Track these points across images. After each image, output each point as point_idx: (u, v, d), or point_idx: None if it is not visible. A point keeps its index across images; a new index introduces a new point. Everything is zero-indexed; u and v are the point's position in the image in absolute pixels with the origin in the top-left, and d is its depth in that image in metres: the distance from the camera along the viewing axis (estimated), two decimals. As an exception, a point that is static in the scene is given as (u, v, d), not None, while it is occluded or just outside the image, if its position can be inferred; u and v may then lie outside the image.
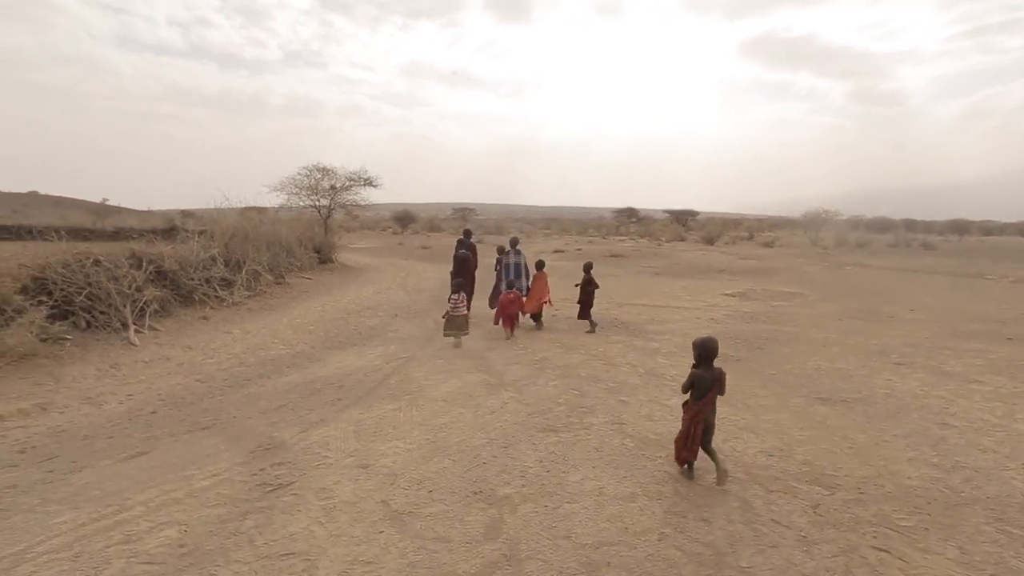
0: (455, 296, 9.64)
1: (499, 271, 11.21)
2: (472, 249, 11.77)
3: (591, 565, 3.66)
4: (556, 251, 31.30)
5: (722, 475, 4.65)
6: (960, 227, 61.50)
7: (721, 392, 4.92)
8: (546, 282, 10.98)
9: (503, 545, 3.89)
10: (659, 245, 39.65)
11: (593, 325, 10.80)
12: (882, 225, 63.26)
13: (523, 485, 4.73)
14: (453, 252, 11.86)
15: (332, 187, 22.47)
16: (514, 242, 11.42)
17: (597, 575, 3.56)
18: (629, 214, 60.00)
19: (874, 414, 6.46)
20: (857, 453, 5.42)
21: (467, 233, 12.50)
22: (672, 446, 5.14)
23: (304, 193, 22.11)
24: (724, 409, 6.52)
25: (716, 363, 5.06)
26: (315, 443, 5.63)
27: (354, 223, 49.03)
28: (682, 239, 47.26)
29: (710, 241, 42.33)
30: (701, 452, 4.89)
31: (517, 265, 10.99)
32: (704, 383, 4.87)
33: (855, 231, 50.34)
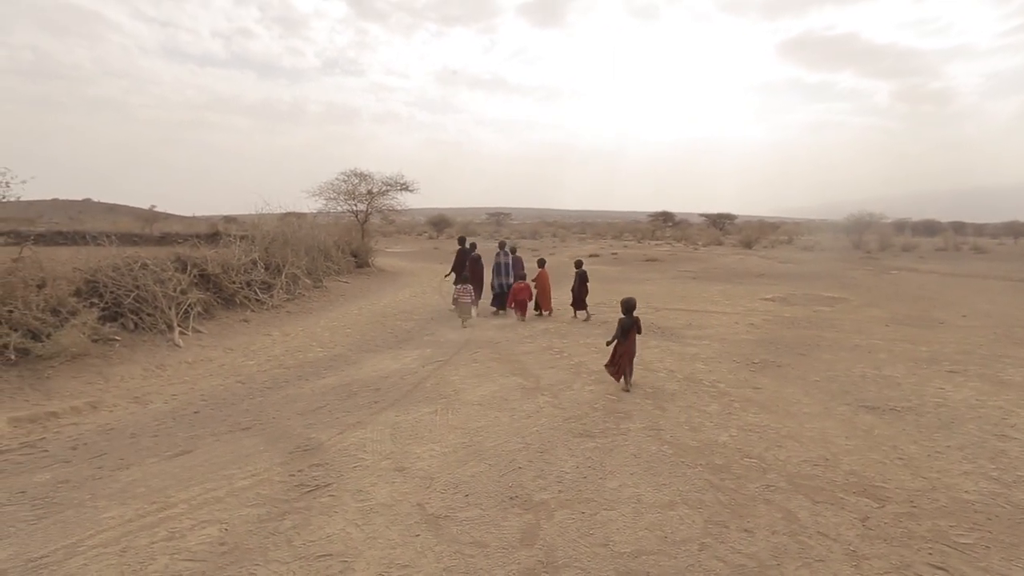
0: (460, 287, 12.03)
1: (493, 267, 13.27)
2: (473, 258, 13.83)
3: (629, 574, 3.58)
4: (592, 255, 31.09)
5: (631, 386, 7.29)
6: (1015, 230, 58.78)
7: (639, 331, 7.48)
8: (544, 281, 12.61)
9: (539, 552, 3.84)
10: (695, 249, 39.03)
11: (588, 315, 12.35)
12: (930, 228, 61.06)
13: (560, 491, 4.67)
14: (465, 256, 14.00)
15: (369, 192, 22.80)
16: (502, 244, 13.64)
17: (636, 585, 3.48)
18: (665, 218, 59.19)
19: (925, 424, 6.20)
20: (908, 464, 5.19)
21: (472, 245, 14.55)
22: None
23: (342, 198, 22.54)
24: (766, 416, 6.37)
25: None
26: (352, 445, 5.68)
27: (390, 228, 49.59)
28: (719, 243, 46.42)
29: (748, 245, 41.49)
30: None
31: (506, 264, 13.15)
32: (626, 326, 7.35)
33: (900, 235, 48.72)
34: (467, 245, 14.44)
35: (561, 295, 14.09)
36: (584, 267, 12.89)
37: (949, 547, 3.89)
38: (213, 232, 20.25)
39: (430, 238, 54.65)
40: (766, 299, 15.74)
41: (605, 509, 4.38)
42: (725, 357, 9.07)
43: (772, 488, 4.71)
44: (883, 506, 4.44)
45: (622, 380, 7.38)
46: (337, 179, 22.79)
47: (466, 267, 13.35)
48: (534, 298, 12.76)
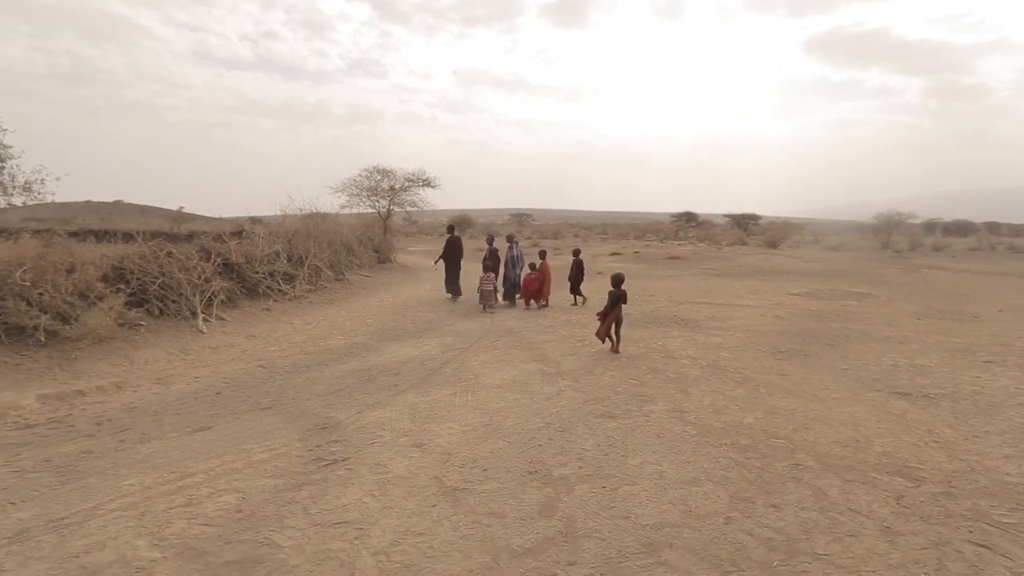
0: (484, 276, 12.57)
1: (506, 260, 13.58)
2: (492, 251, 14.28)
3: (652, 545, 3.47)
4: (613, 253, 30.84)
5: (617, 349, 8.44)
6: (1053, 230, 56.98)
7: (624, 302, 8.57)
8: (546, 272, 12.85)
9: (559, 523, 3.75)
10: (719, 249, 38.49)
11: (583, 300, 13.06)
12: (962, 228, 59.44)
13: (580, 467, 4.57)
14: (454, 243, 14.94)
15: (391, 188, 22.92)
16: (510, 238, 14.15)
17: (659, 555, 3.37)
18: (688, 218, 58.54)
19: (962, 411, 5.96)
20: (944, 447, 4.99)
21: (490, 239, 14.99)
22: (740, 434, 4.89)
23: (364, 194, 22.68)
24: (793, 400, 6.20)
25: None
26: (370, 423, 5.64)
27: (412, 228, 49.88)
28: (743, 243, 45.75)
29: (773, 245, 40.78)
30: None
31: (516, 257, 13.47)
32: (615, 297, 8.43)
33: (931, 235, 47.52)
34: (490, 243, 14.66)
35: (562, 289, 14.01)
36: (581, 255, 13.69)
37: (991, 526, 3.70)
38: (239, 230, 20.53)
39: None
40: (792, 294, 15.42)
41: (627, 484, 4.27)
42: (750, 346, 8.87)
43: (800, 467, 4.55)
44: (918, 486, 4.26)
45: (609, 343, 8.52)
46: (360, 175, 22.97)
47: (486, 258, 13.71)
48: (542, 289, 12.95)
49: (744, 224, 55.10)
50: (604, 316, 8.48)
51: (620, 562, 3.31)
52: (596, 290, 14.30)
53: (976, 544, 3.49)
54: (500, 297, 13.26)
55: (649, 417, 5.68)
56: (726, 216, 59.54)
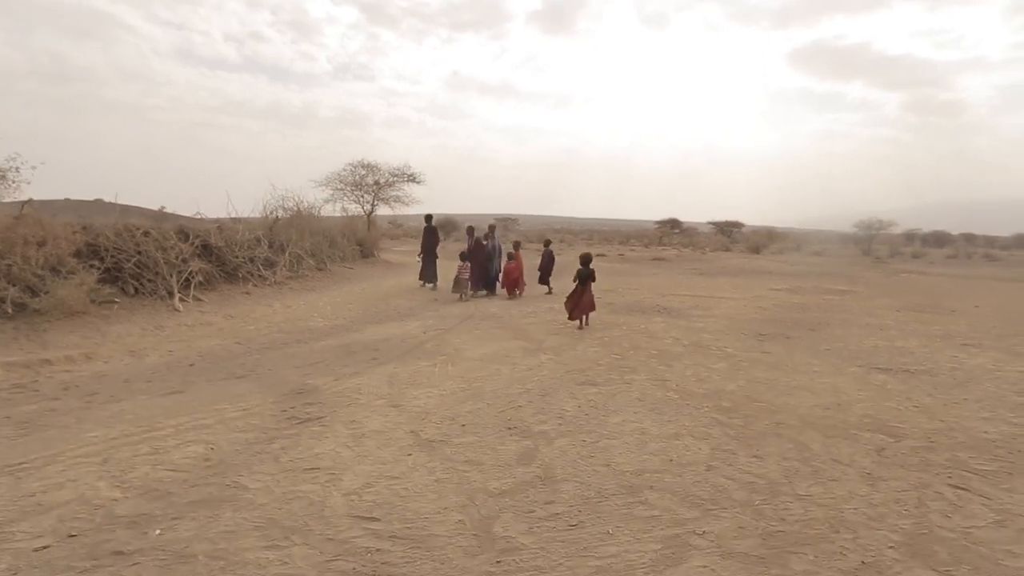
0: (461, 265, 12.62)
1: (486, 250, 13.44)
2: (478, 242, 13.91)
3: (632, 488, 3.41)
4: (598, 255, 30.85)
5: (585, 324, 8.68)
6: (1026, 242, 58.07)
7: (593, 280, 9.01)
8: (520, 262, 13.04)
9: (537, 469, 3.67)
10: (703, 254, 38.72)
11: (550, 289, 13.24)
12: (940, 239, 60.34)
13: (560, 424, 4.50)
14: (432, 234, 15.02)
15: (376, 183, 22.74)
16: (492, 228, 14.06)
17: (639, 496, 3.30)
18: (672, 225, 58.93)
19: (941, 383, 5.99)
20: (924, 411, 4.99)
21: (470, 230, 15.01)
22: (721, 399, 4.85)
23: (348, 189, 22.47)
24: (774, 372, 6.19)
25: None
26: (348, 388, 5.53)
27: (398, 231, 49.61)
28: (727, 249, 46.14)
29: (756, 250, 41.18)
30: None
31: (496, 248, 13.54)
32: (583, 275, 8.87)
33: (910, 245, 48.18)
34: (470, 234, 14.64)
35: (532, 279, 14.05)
36: (551, 247, 14.26)
37: (970, 472, 3.69)
38: (218, 227, 20.21)
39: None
40: (774, 289, 15.52)
41: (607, 439, 4.20)
42: (732, 330, 8.87)
43: (782, 425, 4.52)
44: (899, 441, 4.25)
45: (578, 322, 8.73)
46: (344, 170, 22.75)
47: (469, 249, 13.51)
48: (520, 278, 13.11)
49: (728, 231, 55.57)
50: (572, 294, 8.82)
51: (599, 502, 3.23)
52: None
53: (955, 487, 3.47)
54: (478, 287, 13.15)
55: (631, 384, 5.62)
56: (711, 223, 59.99)
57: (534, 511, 3.12)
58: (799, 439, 4.22)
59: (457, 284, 12.57)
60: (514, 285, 12.87)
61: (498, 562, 2.66)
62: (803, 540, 2.86)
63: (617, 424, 4.49)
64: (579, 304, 8.71)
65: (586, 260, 9.24)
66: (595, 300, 12.06)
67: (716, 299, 13.12)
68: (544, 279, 13.57)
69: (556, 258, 14.33)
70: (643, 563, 2.65)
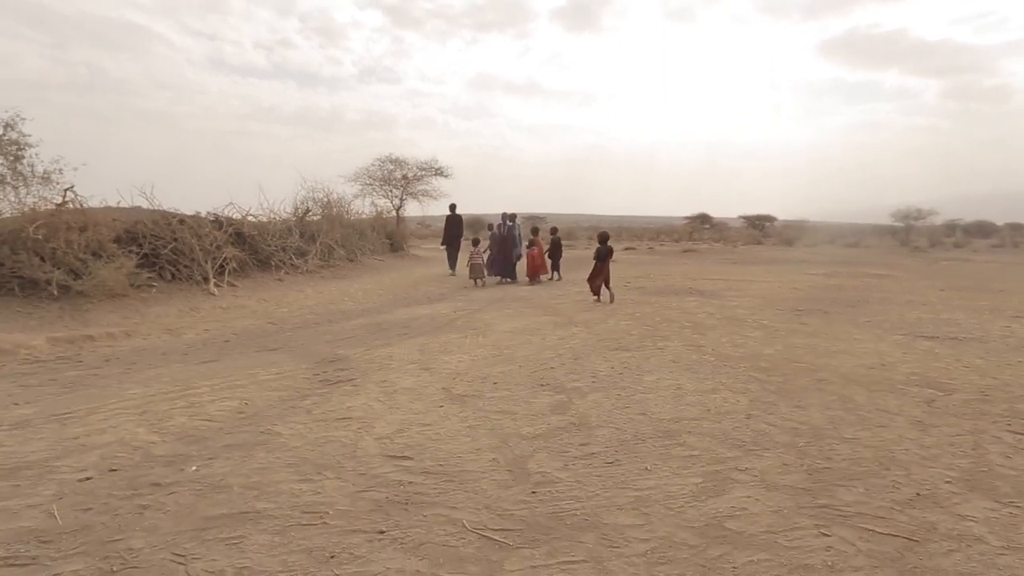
0: (474, 250, 12.72)
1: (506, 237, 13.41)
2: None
3: (670, 432, 3.32)
4: (627, 248, 30.67)
5: (613, 299, 8.90)
6: (1076, 231, 55.58)
7: (611, 256, 9.36)
8: (541, 248, 13.04)
9: (571, 417, 3.60)
10: (734, 247, 38.12)
11: (560, 276, 13.28)
12: (983, 229, 58.25)
13: (593, 381, 4.43)
14: (454, 223, 15.53)
15: (404, 177, 22.93)
16: (512, 217, 13.67)
17: (677, 439, 3.21)
18: (702, 219, 58.05)
19: (992, 349, 5.73)
20: (976, 371, 4.78)
21: (490, 226, 15.06)
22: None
23: (377, 184, 22.70)
24: (813, 340, 6.02)
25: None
26: (379, 356, 5.53)
27: (426, 231, 50.01)
28: (759, 243, 45.33)
29: (789, 243, 40.34)
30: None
31: (516, 236, 13.35)
32: (603, 252, 9.21)
33: (952, 235, 46.59)
34: (490, 228, 14.75)
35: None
36: (559, 234, 14.28)
37: (1028, 420, 3.51)
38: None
39: (466, 239, 54.61)
40: (809, 274, 15.14)
41: (642, 393, 4.12)
42: (767, 307, 8.66)
43: (823, 381, 4.38)
44: (950, 395, 4.07)
45: (603, 294, 9.06)
46: (372, 165, 22.99)
47: (493, 240, 13.65)
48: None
49: (759, 225, 54.48)
50: (592, 271, 9.23)
51: (636, 444, 3.15)
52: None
53: (1015, 432, 3.29)
54: (503, 274, 13.18)
55: (664, 350, 5.52)
56: (742, 218, 58.88)
57: (569, 451, 3.06)
58: (842, 393, 4.08)
59: (472, 270, 12.68)
60: (536, 271, 12.87)
61: (533, 492, 2.60)
62: (851, 476, 2.74)
63: (652, 382, 4.40)
64: (598, 279, 9.15)
65: (604, 239, 9.56)
66: (625, 285, 12.12)
67: (749, 282, 12.85)
68: (555, 266, 13.62)
69: (582, 253, 14.28)
70: (683, 494, 2.57)
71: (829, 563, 2.05)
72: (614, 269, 13.43)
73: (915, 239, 39.36)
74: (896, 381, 4.39)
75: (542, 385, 4.33)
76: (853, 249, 33.53)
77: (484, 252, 12.99)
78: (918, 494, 2.55)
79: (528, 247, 13.10)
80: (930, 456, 2.97)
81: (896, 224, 41.66)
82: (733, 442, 3.16)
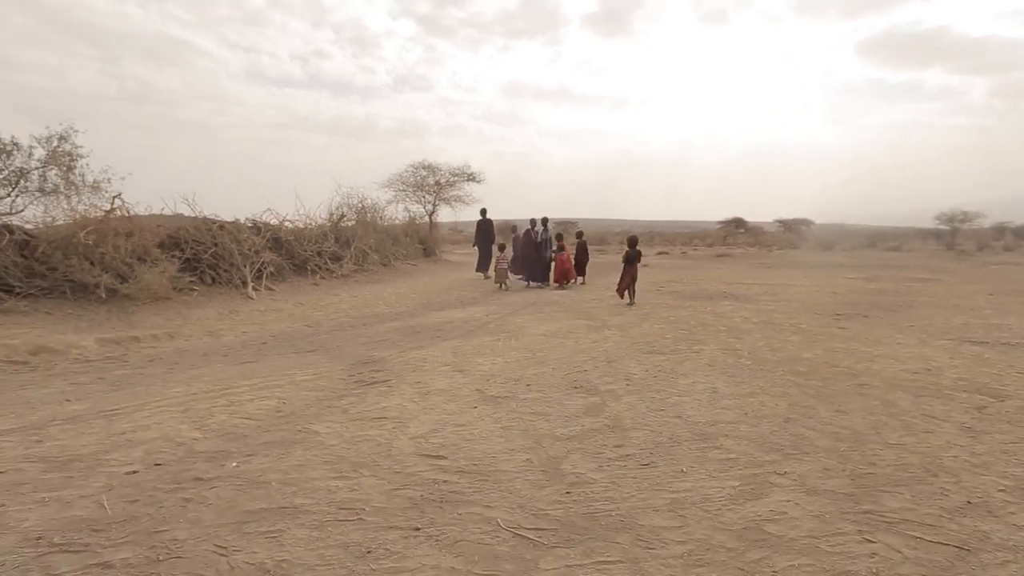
0: (501, 255, 12.92)
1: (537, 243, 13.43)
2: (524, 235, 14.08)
3: (706, 435, 3.27)
4: (660, 252, 30.38)
5: (633, 301, 9.17)
6: None
7: (639, 260, 9.55)
8: (568, 253, 13.11)
9: (606, 419, 3.58)
10: (770, 252, 37.37)
11: (584, 280, 13.50)
12: (1036, 233, 55.84)
13: (627, 384, 4.39)
14: (485, 227, 15.72)
15: (437, 183, 23.13)
16: (544, 222, 13.56)
17: (714, 442, 3.16)
18: (736, 224, 57.08)
19: (1046, 354, 5.49)
20: (1028, 377, 4.58)
21: (513, 229, 15.44)
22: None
23: (410, 190, 22.95)
24: (853, 344, 5.87)
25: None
26: (413, 358, 5.58)
27: (459, 236, 50.37)
28: (795, 247, 44.36)
29: (827, 247, 39.37)
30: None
31: (546, 241, 13.27)
32: (632, 256, 9.41)
33: (1001, 238, 44.81)
34: (514, 230, 15.09)
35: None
36: (584, 238, 14.64)
37: (1087, 427, 3.35)
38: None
39: (500, 247, 54.73)
40: (849, 278, 14.75)
41: (677, 396, 4.06)
42: (805, 311, 8.47)
43: (865, 386, 4.26)
44: (1002, 401, 3.91)
45: (626, 296, 9.35)
46: (406, 171, 23.26)
47: (517, 243, 13.89)
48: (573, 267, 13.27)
49: (796, 229, 53.32)
50: (621, 274, 9.48)
51: (671, 446, 3.12)
52: (640, 279, 14.04)
53: (1072, 440, 3.15)
54: (533, 278, 13.24)
55: (700, 353, 5.44)
56: (777, 221, 57.71)
57: (603, 453, 3.04)
58: (885, 398, 3.96)
59: (498, 274, 12.81)
60: (564, 276, 12.88)
61: (567, 493, 2.59)
62: (897, 482, 2.66)
63: (687, 385, 4.34)
64: (625, 280, 9.37)
65: (632, 242, 9.88)
66: (659, 289, 12.04)
67: (785, 287, 12.59)
68: (580, 270, 13.72)
69: (614, 259, 14.29)
70: (720, 497, 2.53)
71: (874, 570, 1.99)
72: (647, 273, 13.58)
73: (961, 242, 37.95)
74: (943, 386, 4.24)
75: (575, 387, 4.31)
76: (895, 253, 32.53)
77: (507, 254, 13.13)
78: (969, 502, 2.46)
79: (557, 252, 13.13)
80: (981, 463, 2.86)
81: (940, 227, 40.24)
82: (771, 446, 3.10)
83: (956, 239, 38.51)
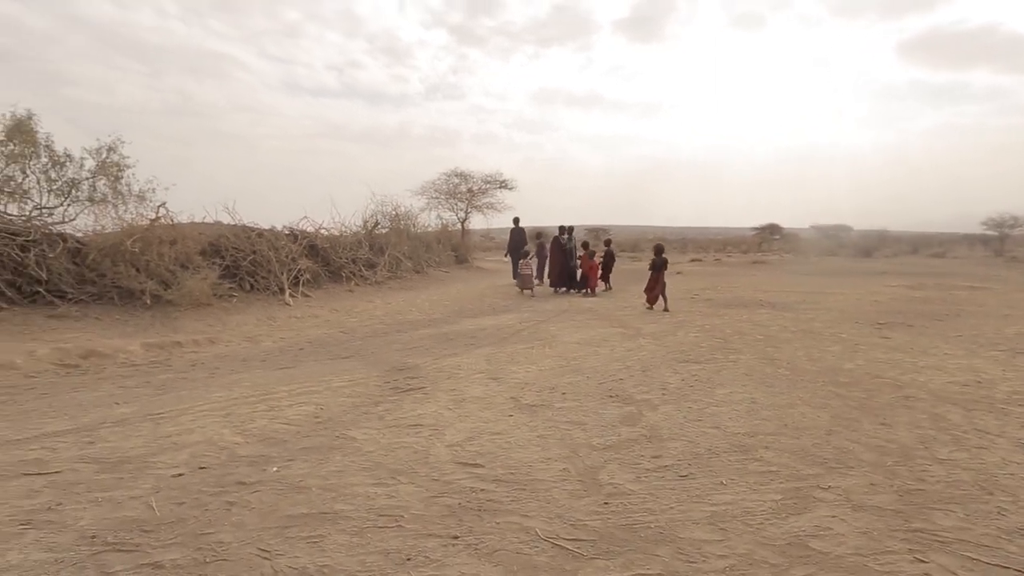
0: (524, 261, 13.21)
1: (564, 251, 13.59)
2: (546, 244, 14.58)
3: (745, 447, 3.21)
4: (693, 260, 30.01)
5: (667, 307, 9.32)
6: None
7: (665, 268, 9.65)
8: (588, 261, 12.93)
9: (642, 430, 3.54)
10: (807, 259, 36.53)
11: (609, 288, 13.68)
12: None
13: (663, 394, 4.34)
14: (517, 235, 15.66)
15: (469, 190, 23.31)
16: (569, 230, 13.82)
17: (753, 454, 3.10)
18: (772, 230, 56.02)
19: (1105, 366, 5.24)
20: (1087, 390, 4.38)
21: (538, 235, 15.72)
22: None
23: (443, 198, 23.18)
24: (897, 354, 5.70)
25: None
26: (447, 365, 5.62)
27: (490, 243, 50.58)
28: (833, 254, 43.31)
29: (867, 254, 38.34)
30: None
31: (571, 249, 13.32)
32: (658, 264, 9.57)
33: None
34: (538, 236, 15.53)
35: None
36: (612, 245, 14.84)
37: None
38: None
39: (524, 254, 54.75)
40: (891, 286, 14.33)
41: (714, 406, 4.00)
42: (845, 320, 8.25)
43: (911, 398, 4.13)
44: (1058, 415, 3.74)
45: (657, 304, 9.56)
46: (439, 179, 23.51)
47: (545, 250, 14.22)
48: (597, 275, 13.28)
49: (834, 235, 52.02)
50: (648, 281, 9.77)
51: (710, 458, 3.07)
52: (671, 286, 13.94)
53: None
54: (560, 285, 13.45)
55: (736, 363, 5.35)
56: (814, 227, 56.40)
57: (641, 463, 3.01)
58: (933, 411, 3.83)
59: (522, 280, 13.03)
60: (589, 283, 12.94)
61: (606, 503, 2.57)
62: (948, 499, 2.57)
63: (724, 395, 4.27)
64: (655, 288, 9.58)
65: (659, 250, 10.09)
66: (692, 297, 11.91)
67: (824, 295, 12.29)
68: (605, 276, 13.84)
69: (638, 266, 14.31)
70: (763, 510, 2.48)
71: (926, 590, 1.92)
72: (680, 281, 13.56)
73: (1011, 249, 36.52)
74: (996, 400, 4.08)
75: (611, 396, 4.28)
76: (939, 260, 31.51)
77: (532, 260, 13.40)
78: (1026, 521, 2.36)
79: (590, 258, 13.11)
80: (1038, 481, 2.74)
81: (988, 232, 38.76)
82: (814, 459, 3.02)
83: (1005, 245, 37.07)
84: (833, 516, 2.41)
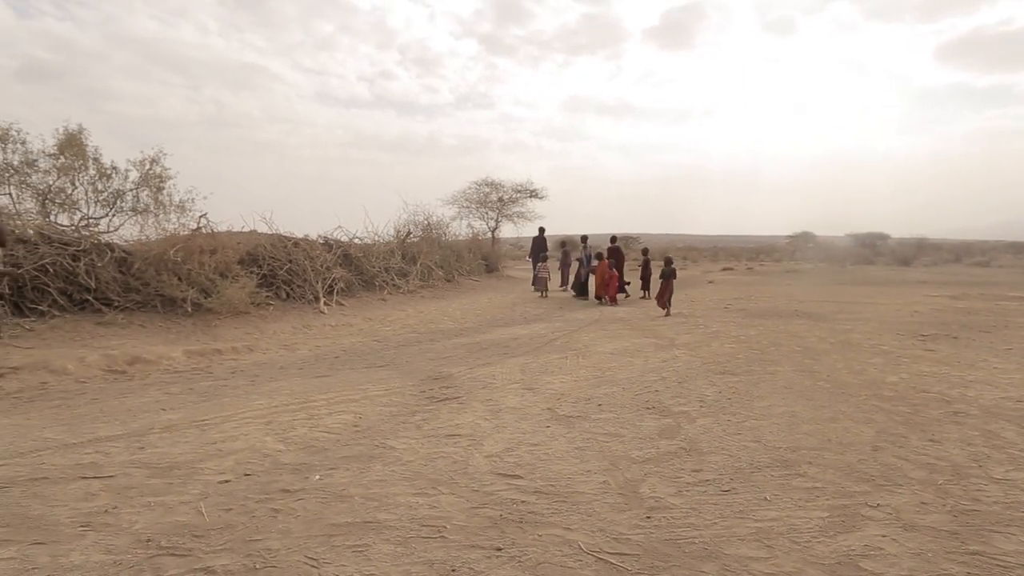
0: (540, 265, 14.22)
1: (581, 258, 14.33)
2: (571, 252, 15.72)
3: (787, 462, 3.15)
4: (725, 269, 29.60)
5: (670, 314, 10.07)
6: None
7: (674, 277, 10.50)
8: (604, 269, 12.98)
9: (681, 442, 3.51)
10: (843, 267, 35.71)
11: (646, 294, 13.90)
12: None
13: (701, 406, 4.30)
14: (541, 242, 16.25)
15: (499, 199, 23.44)
16: (584, 239, 14.77)
17: (796, 469, 3.05)
18: (805, 238, 54.93)
19: None
20: None
21: (563, 244, 16.51)
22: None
23: (474, 207, 23.35)
24: (943, 368, 5.55)
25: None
26: (482, 375, 5.65)
27: (519, 252, 50.69)
28: (870, 262, 42.25)
29: (905, 262, 37.30)
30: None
31: (589, 256, 13.94)
32: (667, 273, 10.26)
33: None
34: (563, 245, 16.53)
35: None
36: (648, 255, 14.93)
37: None
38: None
39: (543, 259, 54.58)
40: (932, 296, 13.92)
41: (754, 419, 3.94)
42: (886, 331, 8.04)
43: (960, 414, 4.00)
44: (1119, 434, 3.59)
45: (664, 310, 10.22)
46: (469, 188, 23.71)
47: (569, 258, 15.31)
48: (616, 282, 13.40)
49: (870, 243, 50.78)
50: (659, 289, 10.48)
51: (752, 472, 3.02)
52: (702, 295, 13.79)
53: None
54: (570, 290, 14.25)
55: (775, 375, 5.26)
56: (850, 235, 55.10)
57: (681, 477, 2.98)
58: (985, 428, 3.71)
59: (537, 282, 13.85)
60: (605, 289, 13.02)
61: (648, 517, 2.55)
62: (1008, 521, 2.48)
63: (764, 408, 4.20)
64: (664, 295, 10.29)
65: (668, 261, 10.89)
66: (726, 307, 11.80)
67: (862, 304, 12.01)
68: (644, 286, 14.29)
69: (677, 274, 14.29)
70: (809, 528, 2.43)
71: (986, 615, 1.86)
72: (712, 291, 13.62)
73: (1059, 257, 35.14)
74: (1050, 416, 3.94)
75: (648, 408, 4.25)
76: (983, 269, 30.47)
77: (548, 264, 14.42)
78: (1090, 545, 2.27)
79: (610, 267, 13.25)
80: (1101, 503, 2.63)
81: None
82: (860, 475, 2.96)
83: (1052, 254, 35.68)
84: (883, 536, 2.36)
